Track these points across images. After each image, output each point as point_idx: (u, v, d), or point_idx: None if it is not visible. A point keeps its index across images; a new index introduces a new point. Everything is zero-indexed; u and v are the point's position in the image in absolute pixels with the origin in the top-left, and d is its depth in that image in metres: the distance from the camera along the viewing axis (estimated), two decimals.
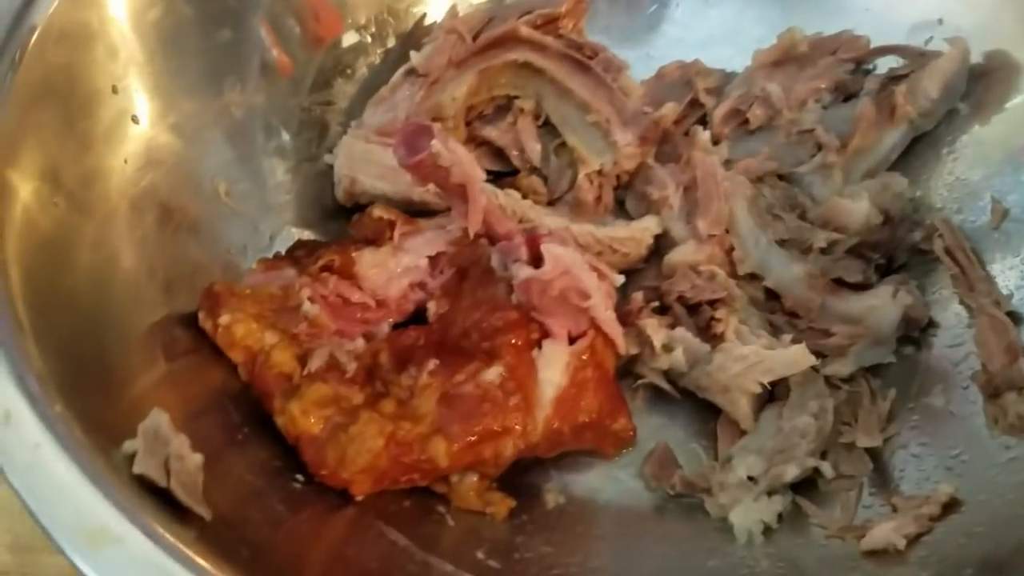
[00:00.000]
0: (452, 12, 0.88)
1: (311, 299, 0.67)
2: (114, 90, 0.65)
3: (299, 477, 0.60)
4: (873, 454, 0.69)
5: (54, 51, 0.60)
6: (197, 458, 0.48)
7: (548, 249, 0.67)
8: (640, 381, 0.75)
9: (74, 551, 0.42)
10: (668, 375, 0.75)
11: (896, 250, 0.78)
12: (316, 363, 0.64)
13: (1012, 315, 0.70)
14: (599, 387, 0.70)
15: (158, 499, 0.45)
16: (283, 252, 0.75)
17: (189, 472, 0.47)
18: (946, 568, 0.58)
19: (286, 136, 0.82)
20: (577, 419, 0.68)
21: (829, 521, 0.66)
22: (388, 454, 0.61)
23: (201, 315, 0.65)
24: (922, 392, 0.72)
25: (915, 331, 0.75)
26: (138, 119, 0.67)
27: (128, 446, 0.46)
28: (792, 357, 0.69)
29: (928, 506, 0.62)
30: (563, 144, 0.86)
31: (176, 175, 0.69)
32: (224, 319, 0.63)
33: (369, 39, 0.88)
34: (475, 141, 0.88)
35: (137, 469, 0.45)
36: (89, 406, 0.48)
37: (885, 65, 0.86)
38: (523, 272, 0.68)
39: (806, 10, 0.90)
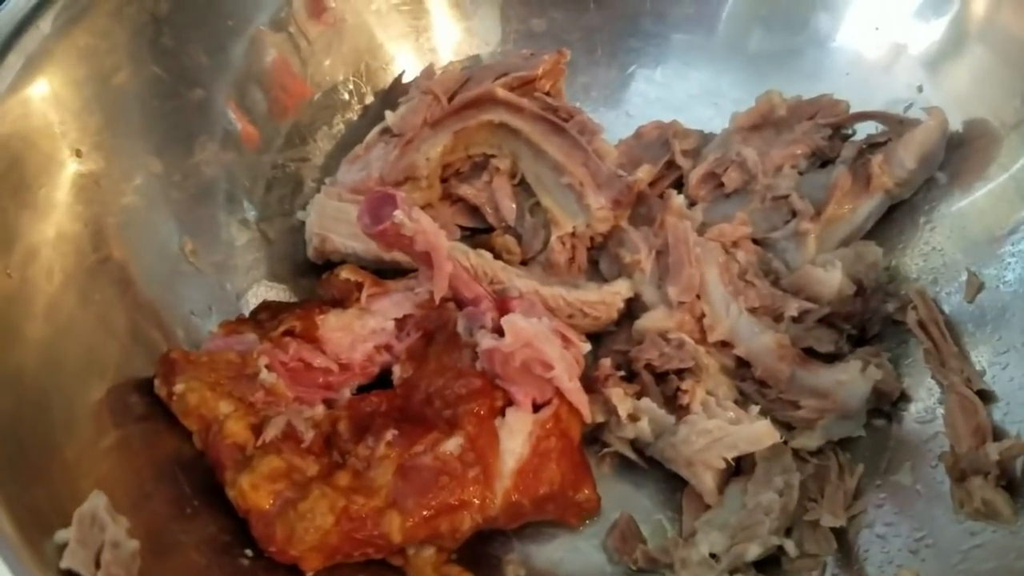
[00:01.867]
0: (428, 72, 0.88)
1: (269, 367, 0.67)
2: (77, 154, 0.65)
3: (248, 552, 0.60)
4: (838, 533, 0.68)
5: (11, 120, 0.60)
6: (133, 545, 0.48)
7: (509, 322, 0.66)
8: (606, 449, 0.75)
9: None
10: (635, 444, 0.74)
11: (869, 321, 0.78)
12: (271, 432, 0.63)
13: (983, 394, 0.69)
14: (563, 456, 0.69)
15: None
16: (247, 314, 0.75)
17: (123, 561, 0.46)
18: None
19: (256, 195, 0.82)
20: (538, 491, 0.67)
21: None
22: (339, 530, 0.60)
23: (157, 382, 0.65)
24: (891, 469, 0.71)
25: (886, 404, 0.74)
26: (101, 182, 0.67)
27: (60, 536, 0.46)
28: (756, 433, 0.69)
29: None
30: (538, 203, 0.86)
31: (140, 237, 0.69)
32: (179, 387, 0.63)
33: (346, 96, 0.89)
34: (451, 198, 0.88)
35: (64, 564, 0.44)
36: (24, 493, 0.47)
37: (864, 130, 0.85)
38: (487, 341, 0.68)
39: (786, 73, 0.90)
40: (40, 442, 0.52)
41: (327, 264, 0.81)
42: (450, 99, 0.83)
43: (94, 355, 0.61)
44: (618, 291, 0.80)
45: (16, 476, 0.48)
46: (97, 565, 0.45)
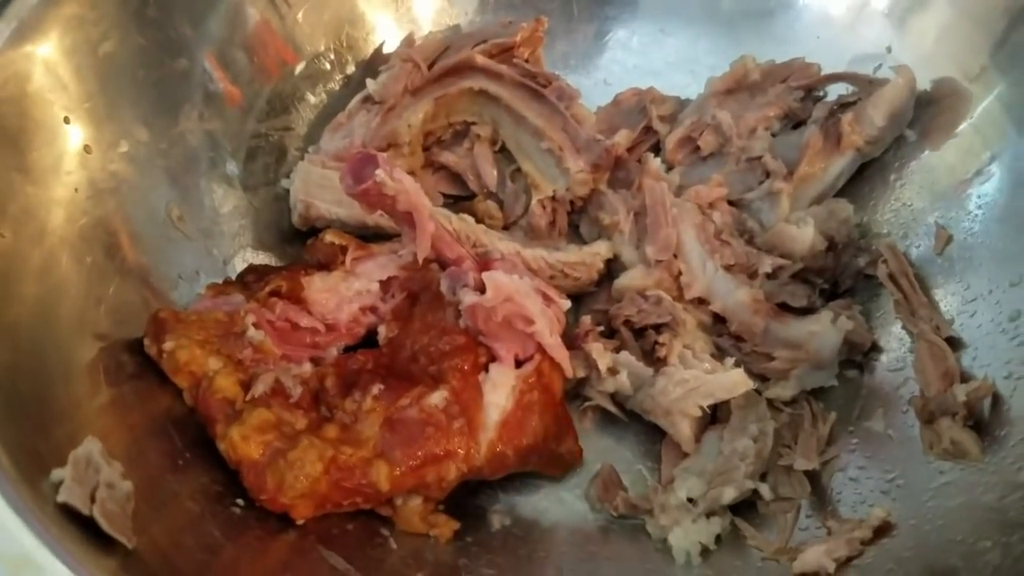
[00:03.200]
0: (408, 40, 0.90)
1: (256, 325, 0.68)
2: (67, 120, 0.66)
3: (239, 502, 0.62)
4: (812, 477, 0.71)
5: (3, 87, 0.61)
6: (127, 486, 0.50)
7: (490, 277, 0.68)
8: (588, 403, 0.77)
9: None
10: (615, 398, 0.76)
11: (841, 275, 0.80)
12: (260, 388, 0.65)
13: (952, 341, 0.71)
14: (545, 410, 0.71)
15: (83, 528, 0.47)
16: (234, 277, 0.76)
17: (118, 500, 0.48)
18: None
19: (241, 162, 0.83)
20: (522, 442, 0.69)
21: (765, 543, 0.67)
22: (328, 479, 0.62)
23: (147, 341, 0.66)
24: (863, 415, 0.74)
25: (858, 355, 0.77)
26: (91, 148, 0.68)
27: (56, 475, 0.47)
28: (730, 381, 0.71)
29: (861, 530, 0.64)
30: (519, 170, 0.88)
31: (128, 203, 0.71)
32: (168, 345, 0.65)
33: (328, 66, 0.90)
34: (433, 166, 0.90)
35: (61, 498, 0.46)
36: (21, 436, 0.49)
37: (835, 92, 0.88)
38: (469, 298, 0.70)
39: (759, 39, 0.92)
40: (37, 393, 0.54)
41: (312, 231, 0.83)
42: (430, 67, 0.85)
43: (86, 315, 0.63)
44: (598, 252, 0.82)
45: (14, 421, 0.50)
46: (92, 502, 0.47)
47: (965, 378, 0.69)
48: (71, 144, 0.67)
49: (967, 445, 0.65)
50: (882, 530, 0.63)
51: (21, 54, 0.64)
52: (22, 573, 0.42)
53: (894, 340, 0.76)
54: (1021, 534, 0.56)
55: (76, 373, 0.59)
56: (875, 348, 0.77)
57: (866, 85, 0.85)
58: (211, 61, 0.78)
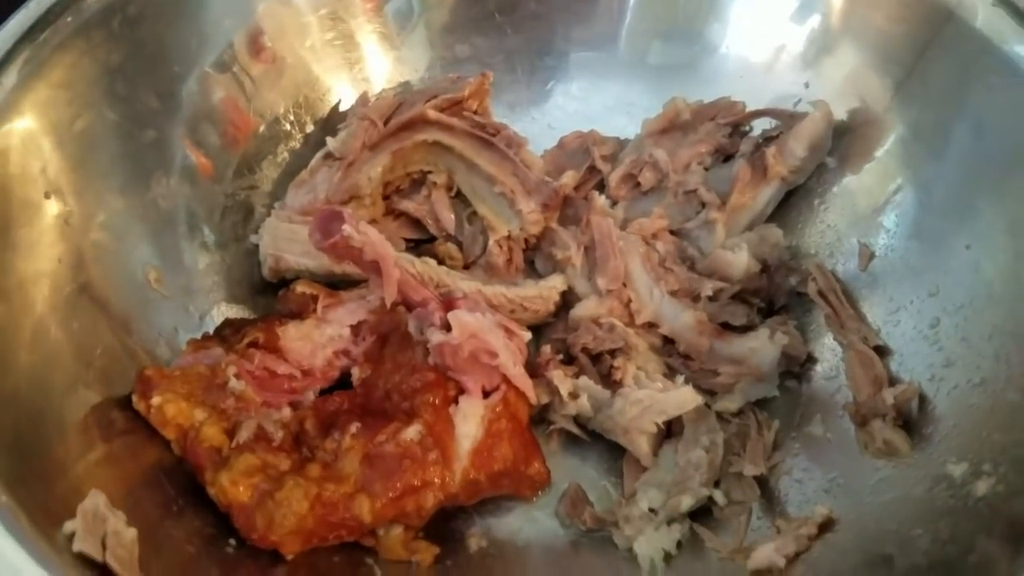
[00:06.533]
0: (363, 99, 0.95)
1: (237, 376, 0.73)
2: (47, 196, 0.70)
3: (232, 542, 0.66)
4: (761, 481, 0.76)
5: None
6: (132, 532, 0.54)
7: (455, 316, 0.74)
8: (553, 427, 0.82)
9: None
10: (577, 420, 0.82)
11: (775, 294, 0.87)
12: (244, 435, 0.69)
13: (879, 349, 0.78)
14: (513, 436, 0.76)
15: (99, 574, 0.51)
16: (211, 331, 0.81)
17: (125, 546, 0.52)
18: None
19: (212, 222, 0.88)
20: (493, 467, 0.74)
21: (722, 545, 0.73)
22: (314, 515, 0.66)
23: (135, 398, 0.70)
24: (803, 421, 0.80)
25: (796, 367, 0.83)
26: (71, 220, 0.72)
27: (68, 527, 0.51)
28: (681, 398, 0.77)
29: (807, 527, 0.70)
30: (475, 212, 0.93)
31: (108, 269, 0.75)
32: (156, 400, 0.69)
33: (288, 126, 0.95)
34: (394, 213, 0.95)
35: (76, 547, 0.50)
36: (32, 494, 0.53)
37: (760, 127, 0.95)
38: (436, 337, 0.75)
39: (688, 80, 0.99)
40: (38, 453, 0.57)
41: (282, 282, 0.87)
42: (386, 123, 0.90)
43: (77, 377, 0.67)
44: (553, 285, 0.88)
45: (23, 480, 0.53)
46: (104, 549, 0.51)
47: (893, 382, 0.75)
48: (52, 218, 0.71)
49: (898, 443, 0.71)
50: (826, 526, 0.69)
51: (3, 136, 0.67)
52: None
53: (827, 351, 0.83)
54: (946, 520, 0.63)
55: (72, 431, 0.63)
56: (810, 359, 0.83)
57: (787, 119, 0.92)
58: (185, 142, 0.83)
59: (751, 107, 0.95)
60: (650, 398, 0.77)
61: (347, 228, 0.71)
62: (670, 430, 0.80)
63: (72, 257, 0.71)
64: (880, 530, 0.67)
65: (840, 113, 0.90)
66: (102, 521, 0.53)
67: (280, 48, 0.93)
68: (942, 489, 0.65)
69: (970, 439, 0.66)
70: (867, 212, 0.86)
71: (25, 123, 0.70)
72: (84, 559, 0.51)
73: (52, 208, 0.71)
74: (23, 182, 0.68)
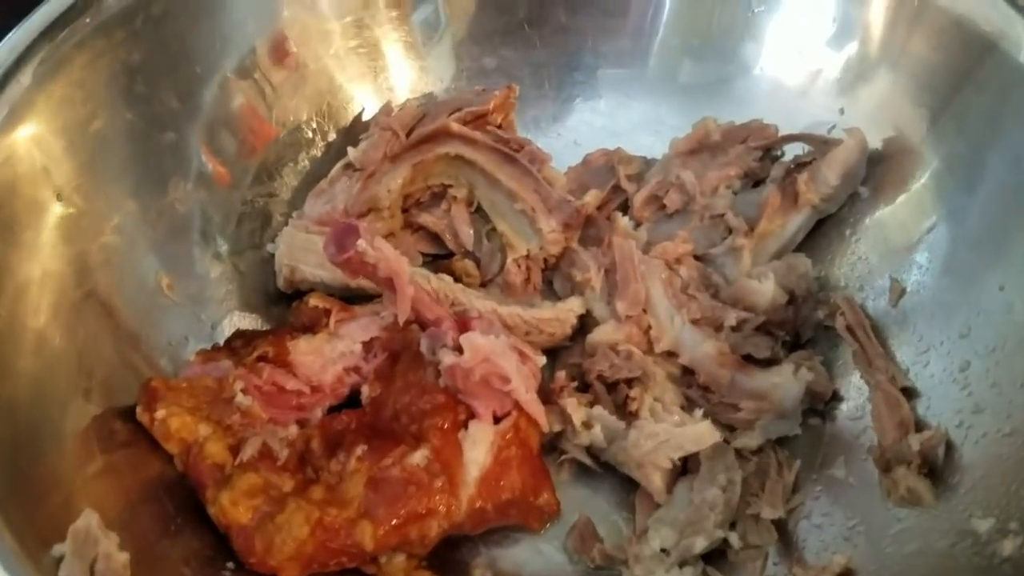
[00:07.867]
0: (386, 109, 0.94)
1: (244, 391, 0.71)
2: (58, 197, 0.69)
3: (230, 565, 0.64)
4: (778, 524, 0.74)
5: None
6: (123, 557, 0.52)
7: (467, 339, 0.72)
8: (564, 456, 0.80)
9: None
10: (590, 450, 0.79)
11: (802, 327, 0.84)
12: (248, 452, 0.67)
13: (906, 390, 0.75)
14: (523, 464, 0.74)
15: None
16: (221, 343, 0.79)
17: (116, 571, 0.51)
18: None
19: (228, 229, 0.86)
20: (501, 497, 0.72)
21: None
22: (315, 540, 0.64)
23: (139, 409, 0.68)
24: (825, 463, 0.77)
25: (820, 404, 0.80)
26: (82, 223, 0.71)
27: (57, 550, 0.50)
28: (699, 434, 0.74)
29: None
30: (494, 229, 0.91)
31: (119, 274, 0.73)
32: (160, 413, 0.67)
33: (310, 134, 0.94)
34: (412, 227, 0.93)
35: (62, 574, 0.48)
36: (24, 513, 0.51)
37: (792, 152, 0.92)
38: (448, 358, 0.73)
39: (719, 100, 0.96)
40: (35, 468, 0.56)
41: (297, 293, 0.86)
42: (408, 134, 0.89)
43: (79, 386, 0.65)
44: (571, 308, 0.86)
45: (15, 499, 0.52)
46: (91, 574, 0.49)
47: (920, 427, 0.72)
48: (63, 220, 0.69)
49: (922, 492, 0.68)
50: None
51: (13, 137, 0.66)
52: None
53: (853, 389, 0.80)
54: None
55: (70, 442, 0.61)
56: (836, 397, 0.80)
57: (820, 145, 0.89)
58: (202, 147, 0.82)
59: (784, 131, 0.92)
60: (666, 432, 0.74)
61: (362, 243, 0.70)
62: (686, 466, 0.77)
63: (81, 261, 0.70)
64: None
65: (875, 142, 0.88)
66: (94, 543, 0.51)
67: (303, 54, 0.92)
68: (966, 546, 0.62)
69: (997, 493, 0.63)
70: (900, 246, 0.83)
71: (39, 123, 0.68)
72: None
73: (63, 209, 0.69)
74: (33, 183, 0.67)
